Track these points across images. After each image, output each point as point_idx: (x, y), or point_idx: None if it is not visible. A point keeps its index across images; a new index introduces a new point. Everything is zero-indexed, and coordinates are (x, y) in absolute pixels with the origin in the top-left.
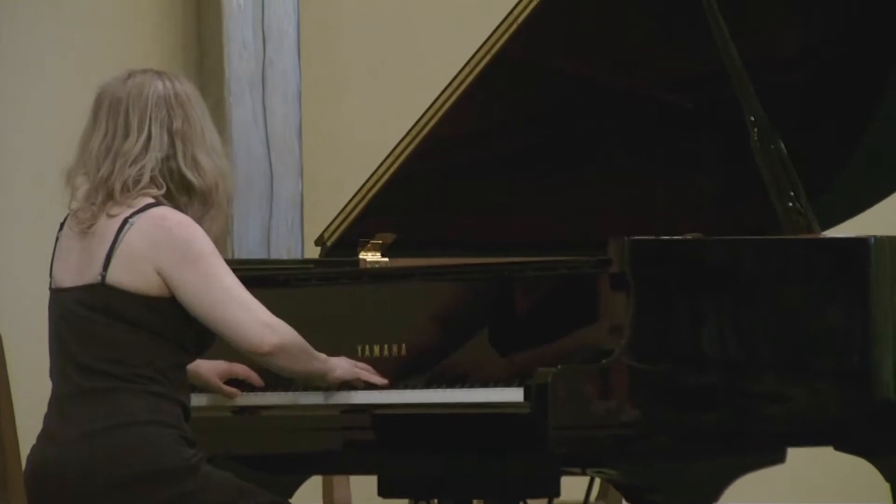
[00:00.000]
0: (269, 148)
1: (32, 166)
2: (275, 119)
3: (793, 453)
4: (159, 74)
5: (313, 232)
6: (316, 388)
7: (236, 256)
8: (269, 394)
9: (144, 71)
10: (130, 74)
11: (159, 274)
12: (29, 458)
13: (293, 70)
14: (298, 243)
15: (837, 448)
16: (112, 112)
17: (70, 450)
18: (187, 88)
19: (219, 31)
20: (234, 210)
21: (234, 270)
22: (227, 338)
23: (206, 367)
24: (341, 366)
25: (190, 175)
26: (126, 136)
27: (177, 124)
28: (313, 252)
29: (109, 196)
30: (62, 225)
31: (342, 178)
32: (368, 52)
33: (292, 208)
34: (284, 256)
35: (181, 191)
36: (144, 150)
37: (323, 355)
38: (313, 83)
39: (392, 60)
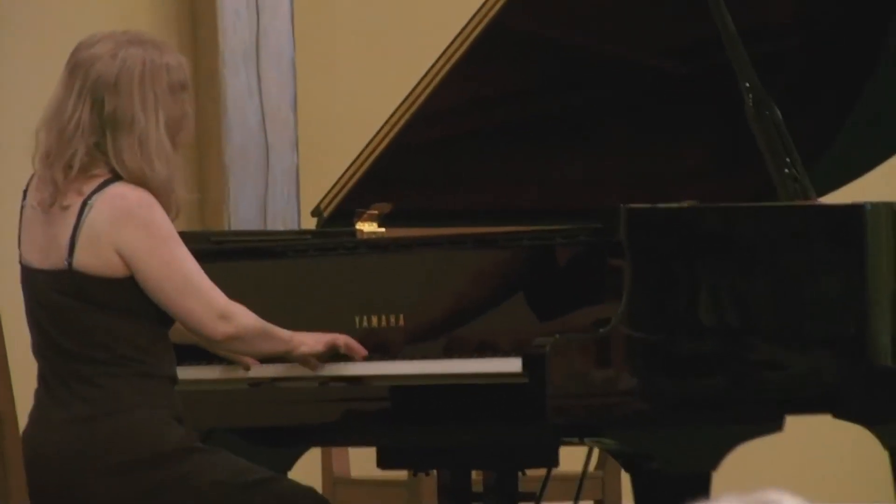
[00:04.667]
0: (264, 119)
1: (26, 139)
2: (269, 90)
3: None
4: (132, 44)
5: (309, 203)
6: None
7: (232, 229)
8: (266, 366)
9: (119, 38)
10: (102, 39)
11: (119, 254)
12: (22, 442)
13: (287, 41)
14: (295, 215)
15: (836, 416)
16: (68, 75)
17: (60, 438)
18: (150, 66)
19: (212, 2)
20: (229, 182)
21: (230, 242)
22: (182, 324)
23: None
24: (305, 342)
25: (116, 166)
26: (66, 107)
27: (108, 108)
28: (310, 224)
29: (55, 187)
30: (25, 193)
31: (338, 149)
32: (363, 22)
33: (288, 180)
34: (281, 228)
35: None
36: (76, 129)
37: (287, 333)
38: (308, 54)
39: (387, 30)
